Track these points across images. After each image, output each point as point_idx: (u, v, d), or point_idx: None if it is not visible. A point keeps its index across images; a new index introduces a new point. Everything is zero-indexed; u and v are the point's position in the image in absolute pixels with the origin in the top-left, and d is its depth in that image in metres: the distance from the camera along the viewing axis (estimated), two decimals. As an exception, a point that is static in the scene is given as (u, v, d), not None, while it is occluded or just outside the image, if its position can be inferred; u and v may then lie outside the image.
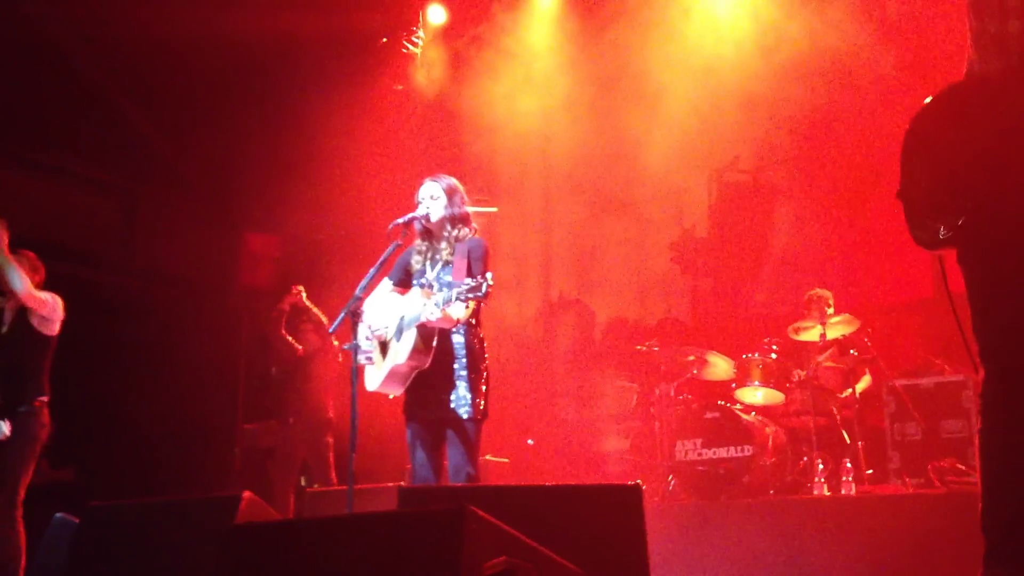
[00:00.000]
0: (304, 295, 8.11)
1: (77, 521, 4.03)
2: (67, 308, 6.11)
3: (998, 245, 2.86)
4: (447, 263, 4.86)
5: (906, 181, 3.02)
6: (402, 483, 6.67)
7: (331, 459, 7.96)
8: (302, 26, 8.97)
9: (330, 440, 8.01)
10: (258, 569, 2.66)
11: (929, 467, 6.22)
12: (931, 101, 2.98)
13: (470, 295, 4.30)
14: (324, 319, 8.06)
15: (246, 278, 9.79)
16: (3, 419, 5.58)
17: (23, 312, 5.81)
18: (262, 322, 8.59)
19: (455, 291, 4.36)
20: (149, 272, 9.48)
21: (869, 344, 7.09)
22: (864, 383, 7.22)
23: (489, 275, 4.32)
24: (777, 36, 8.10)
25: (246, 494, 3.52)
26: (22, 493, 5.59)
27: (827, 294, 7.38)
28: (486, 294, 4.27)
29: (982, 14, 2.88)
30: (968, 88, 2.93)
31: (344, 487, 6.19)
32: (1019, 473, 2.85)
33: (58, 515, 4.57)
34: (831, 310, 7.22)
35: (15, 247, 6.03)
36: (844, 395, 7.10)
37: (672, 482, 7.05)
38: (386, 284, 5.04)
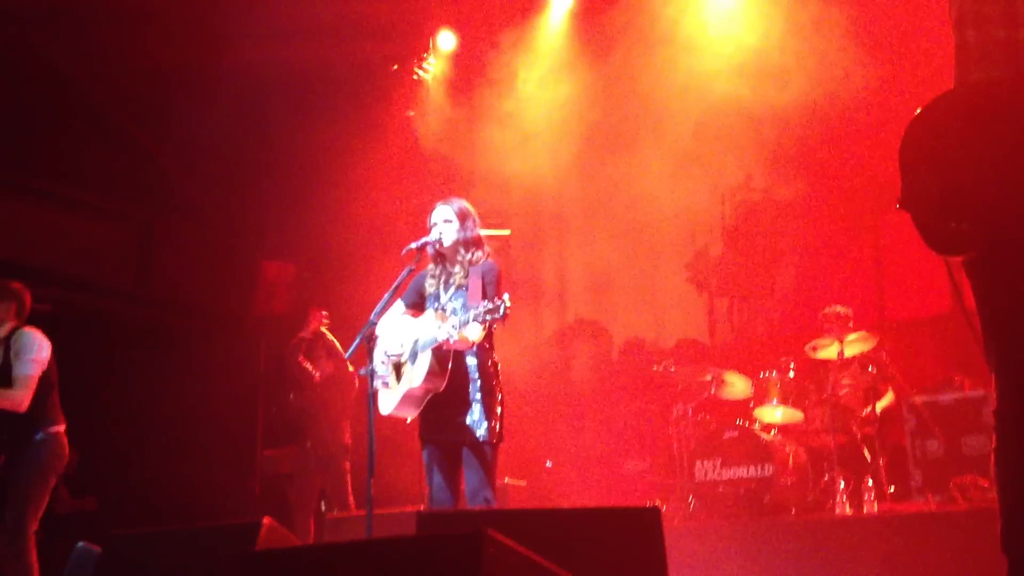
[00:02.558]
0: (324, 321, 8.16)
1: (99, 550, 4.04)
2: (84, 340, 6.08)
3: (1007, 256, 2.82)
4: (461, 286, 4.87)
5: (911, 190, 2.94)
6: (421, 507, 6.67)
7: (349, 484, 7.97)
8: (314, 54, 9.04)
9: (347, 465, 8.02)
10: (278, 596, 2.66)
11: (952, 483, 6.18)
12: (925, 110, 2.94)
13: (488, 317, 4.31)
14: (337, 345, 8.09)
15: (262, 305, 9.84)
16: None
17: (7, 350, 5.61)
18: (281, 349, 8.62)
19: (472, 313, 4.37)
20: (166, 302, 9.53)
21: (888, 361, 7.05)
22: (886, 400, 7.18)
23: (507, 297, 4.33)
24: (787, 55, 8.11)
25: (266, 520, 3.52)
26: (33, 524, 5.44)
27: (845, 311, 7.34)
28: (504, 316, 4.28)
29: (986, 23, 2.86)
30: (972, 96, 2.90)
31: (363, 512, 6.19)
32: None
33: (80, 544, 4.59)
34: (843, 314, 7.20)
35: (32, 277, 6.01)
36: (864, 413, 7.05)
37: (692, 503, 7.01)
38: (399, 307, 5.05)
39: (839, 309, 7.33)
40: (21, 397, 5.46)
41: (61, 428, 5.69)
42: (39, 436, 5.55)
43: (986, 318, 2.92)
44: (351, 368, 7.97)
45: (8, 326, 5.72)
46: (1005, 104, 2.78)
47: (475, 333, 4.57)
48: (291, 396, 8.49)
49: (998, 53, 2.82)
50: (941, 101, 2.90)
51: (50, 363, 5.72)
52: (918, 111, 2.93)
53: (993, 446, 2.94)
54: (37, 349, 5.61)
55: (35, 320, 5.87)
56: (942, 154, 2.84)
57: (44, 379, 5.65)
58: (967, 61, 2.90)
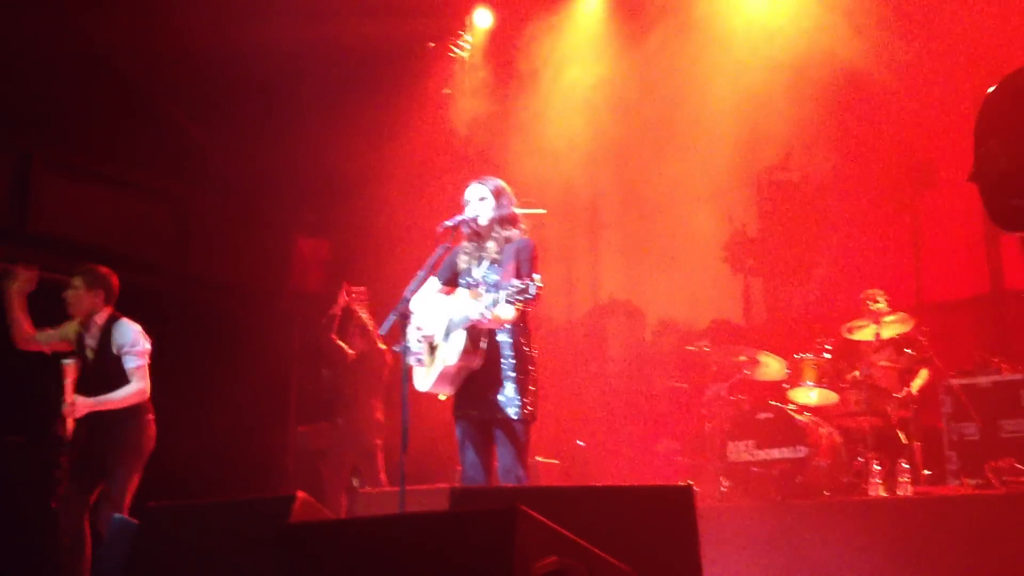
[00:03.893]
0: (352, 297, 8.16)
1: (136, 522, 4.10)
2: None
3: None
4: (494, 261, 4.86)
5: (982, 164, 2.95)
6: (453, 484, 6.70)
7: (380, 461, 8.02)
8: (350, 32, 9.05)
9: (379, 442, 8.07)
10: (312, 568, 2.69)
11: (987, 467, 6.13)
12: (1000, 85, 2.95)
13: (519, 297, 4.29)
14: (369, 322, 8.11)
15: (297, 282, 9.89)
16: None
17: (106, 338, 5.97)
18: (313, 326, 8.66)
19: (503, 293, 4.36)
20: (202, 277, 9.61)
21: (925, 343, 6.98)
22: (921, 379, 7.12)
23: (537, 277, 4.31)
24: (825, 35, 8.02)
25: (300, 494, 3.55)
26: (128, 500, 5.81)
27: (881, 293, 7.29)
28: (535, 296, 4.27)
29: None
30: None
31: (395, 488, 6.24)
32: None
33: (117, 516, 4.66)
34: (882, 306, 7.14)
35: (72, 252, 6.14)
36: (900, 395, 7.00)
37: (725, 484, 6.99)
38: (433, 284, 5.05)
39: (875, 291, 7.29)
40: (142, 388, 5.92)
41: (152, 416, 6.08)
42: (135, 422, 5.94)
43: None
44: (383, 346, 8.01)
45: (103, 314, 6.03)
46: None
47: (507, 312, 4.57)
48: (324, 372, 8.55)
49: None
50: (1017, 76, 2.90)
51: None
52: (991, 88, 2.96)
53: None
54: (142, 341, 5.98)
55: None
56: (1012, 130, 2.85)
57: None
58: None
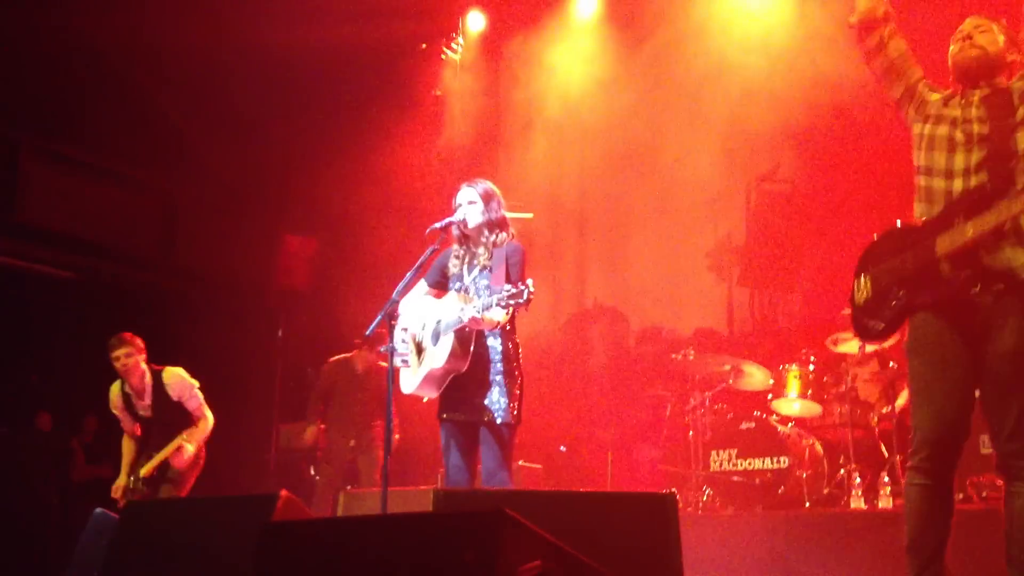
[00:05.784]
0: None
1: (117, 517, 4.08)
2: (106, 307, 6.31)
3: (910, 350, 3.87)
4: (485, 268, 4.85)
5: (853, 292, 4.02)
6: (436, 486, 6.69)
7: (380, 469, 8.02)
8: (341, 32, 9.04)
9: (381, 452, 8.06)
10: (294, 567, 2.68)
11: (967, 482, 6.14)
12: (877, 238, 4.02)
13: (511, 301, 4.28)
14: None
15: (283, 279, 9.86)
16: None
17: (160, 391, 6.51)
18: (300, 325, 8.59)
19: (496, 297, 4.35)
20: (187, 271, 9.57)
21: (908, 357, 6.99)
22: (904, 398, 7.12)
23: (530, 282, 4.31)
24: (817, 46, 8.04)
25: (283, 493, 3.55)
26: None
27: None
28: (527, 301, 4.26)
29: (933, 175, 3.78)
30: (902, 230, 3.93)
31: (376, 488, 6.22)
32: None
33: (99, 510, 4.63)
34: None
35: (57, 243, 6.15)
36: (885, 410, 7.01)
37: (708, 493, 7.00)
38: (422, 286, 5.04)
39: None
40: (209, 423, 6.67)
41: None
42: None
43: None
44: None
45: (149, 371, 6.57)
46: (917, 239, 3.76)
47: (498, 316, 4.56)
48: (308, 370, 8.52)
49: (939, 195, 3.75)
50: (887, 231, 3.99)
51: None
52: (875, 235, 4.04)
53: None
54: (193, 386, 6.64)
55: (59, 287, 6.03)
56: (875, 270, 3.95)
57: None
58: (920, 200, 3.86)
